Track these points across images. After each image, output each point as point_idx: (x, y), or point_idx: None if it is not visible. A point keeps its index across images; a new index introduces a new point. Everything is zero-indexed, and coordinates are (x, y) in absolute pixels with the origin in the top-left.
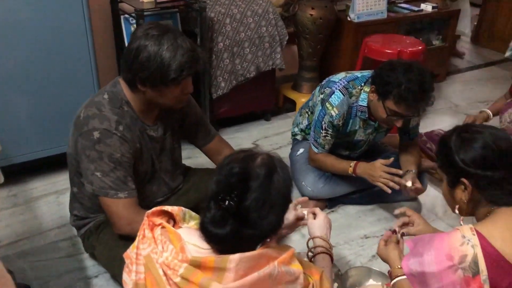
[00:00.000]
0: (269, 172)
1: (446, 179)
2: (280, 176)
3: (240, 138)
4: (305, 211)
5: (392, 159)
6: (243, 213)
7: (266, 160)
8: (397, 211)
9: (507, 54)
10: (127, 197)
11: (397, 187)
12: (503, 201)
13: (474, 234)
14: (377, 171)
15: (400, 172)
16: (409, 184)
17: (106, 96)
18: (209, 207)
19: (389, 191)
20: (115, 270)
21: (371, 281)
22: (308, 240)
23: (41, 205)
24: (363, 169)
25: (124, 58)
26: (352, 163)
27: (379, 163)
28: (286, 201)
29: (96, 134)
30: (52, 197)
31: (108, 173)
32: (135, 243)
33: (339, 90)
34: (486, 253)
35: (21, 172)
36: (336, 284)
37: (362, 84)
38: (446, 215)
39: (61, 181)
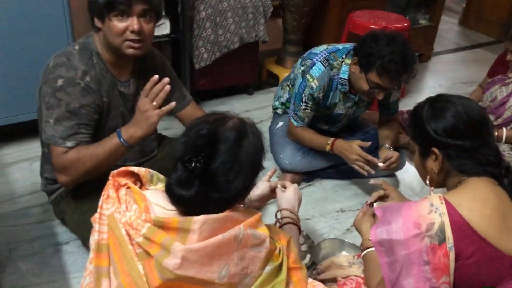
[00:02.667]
0: (239, 136)
1: (418, 150)
2: (250, 141)
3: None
4: (279, 184)
5: (369, 143)
6: (210, 176)
7: (237, 124)
8: (372, 181)
9: None
10: (74, 147)
11: (372, 171)
12: (472, 170)
13: (442, 203)
14: (352, 154)
15: (376, 160)
16: (381, 165)
17: (77, 46)
18: (175, 168)
19: (365, 173)
20: (84, 234)
21: (344, 253)
22: (277, 212)
23: (13, 171)
24: (340, 148)
25: None
26: (330, 140)
27: (356, 145)
28: (255, 167)
29: (59, 82)
30: (25, 164)
31: (61, 121)
32: (99, 203)
33: (320, 61)
34: (453, 221)
35: None
36: (308, 256)
37: (344, 56)
38: (423, 192)
39: (35, 148)
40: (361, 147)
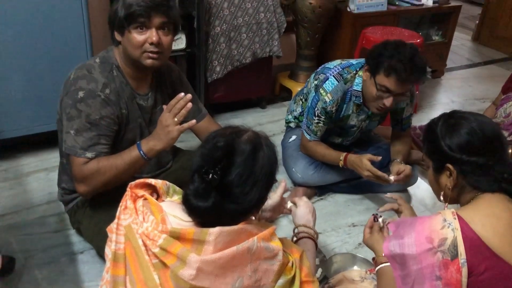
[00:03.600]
0: (254, 148)
1: (432, 166)
2: (265, 153)
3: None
4: (289, 202)
5: (380, 158)
6: (226, 187)
7: (252, 137)
8: (389, 194)
9: None
10: (94, 158)
11: (387, 183)
12: (486, 187)
13: (455, 218)
14: (363, 170)
15: (386, 176)
16: (392, 178)
17: (97, 60)
18: (192, 179)
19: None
20: (99, 244)
21: (355, 268)
22: (294, 229)
23: (31, 181)
24: (352, 162)
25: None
26: (342, 156)
27: (366, 160)
28: (269, 179)
29: (80, 94)
30: (42, 174)
31: (82, 132)
32: (117, 213)
33: (333, 76)
34: (465, 237)
35: (13, 147)
36: (320, 270)
37: (357, 69)
38: (435, 207)
39: (52, 158)
40: (373, 162)
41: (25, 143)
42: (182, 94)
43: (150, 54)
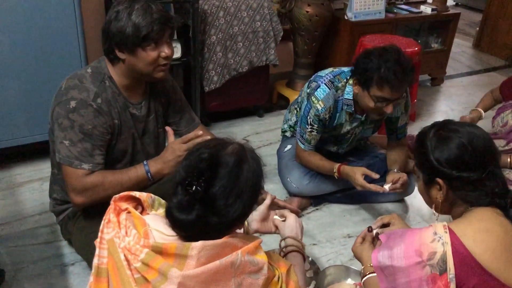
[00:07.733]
0: (239, 161)
1: (422, 177)
2: (250, 166)
3: (232, 133)
4: (276, 216)
5: (377, 175)
6: (210, 199)
7: (237, 149)
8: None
9: None
10: (90, 169)
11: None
12: (478, 201)
13: (446, 232)
14: (356, 185)
15: (378, 187)
16: (386, 188)
17: (89, 70)
18: (176, 192)
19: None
20: (89, 256)
21: (349, 280)
22: (281, 241)
23: (24, 191)
24: (346, 175)
25: (102, 30)
26: (336, 167)
27: (360, 174)
28: (254, 192)
29: (72, 104)
30: (36, 184)
31: (76, 143)
32: (100, 227)
33: (324, 84)
34: (455, 252)
35: (6, 157)
36: (313, 282)
37: (348, 78)
38: (432, 218)
39: (46, 168)
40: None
41: (19, 153)
42: (201, 132)
43: (162, 67)
